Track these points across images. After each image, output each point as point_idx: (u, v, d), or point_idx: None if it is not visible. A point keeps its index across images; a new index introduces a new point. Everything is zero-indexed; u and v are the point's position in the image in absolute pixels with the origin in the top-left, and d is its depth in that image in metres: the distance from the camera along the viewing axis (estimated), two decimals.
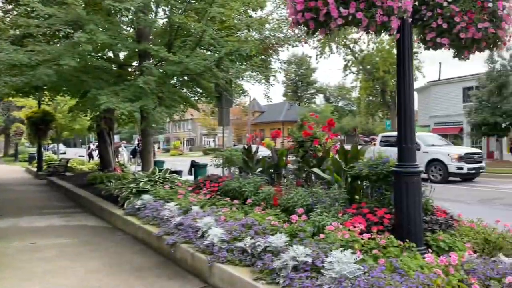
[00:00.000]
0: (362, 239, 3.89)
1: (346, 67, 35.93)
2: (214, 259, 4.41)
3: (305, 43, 11.17)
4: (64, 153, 50.77)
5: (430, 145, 16.86)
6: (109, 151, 15.25)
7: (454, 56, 4.45)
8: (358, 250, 3.71)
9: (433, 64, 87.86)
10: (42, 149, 20.61)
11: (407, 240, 3.88)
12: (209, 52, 9.58)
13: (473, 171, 15.88)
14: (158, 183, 8.34)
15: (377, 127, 42.85)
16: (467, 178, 16.04)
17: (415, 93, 40.62)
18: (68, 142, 65.32)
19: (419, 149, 17.08)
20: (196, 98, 11.92)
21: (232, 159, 7.87)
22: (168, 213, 6.30)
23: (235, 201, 6.42)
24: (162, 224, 6.22)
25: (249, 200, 6.23)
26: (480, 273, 3.27)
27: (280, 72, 10.48)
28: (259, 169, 7.43)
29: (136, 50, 9.27)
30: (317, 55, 34.40)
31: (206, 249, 4.69)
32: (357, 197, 5.24)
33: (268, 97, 10.88)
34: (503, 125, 25.47)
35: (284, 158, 6.88)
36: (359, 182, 5.19)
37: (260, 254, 4.15)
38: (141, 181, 8.35)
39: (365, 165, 4.74)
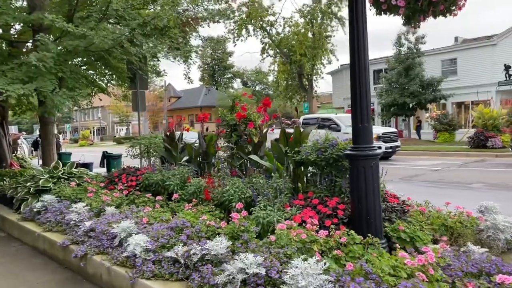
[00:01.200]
0: (319, 237, 3.28)
1: (263, 50, 35.63)
2: (137, 274, 3.52)
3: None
4: None
5: (349, 126, 17.17)
6: (3, 144, 13.08)
7: (405, 23, 3.98)
8: (317, 252, 3.09)
9: (345, 48, 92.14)
10: None
11: (368, 234, 3.35)
12: (119, 26, 8.30)
13: (390, 150, 16.49)
14: (62, 179, 7.04)
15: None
16: (385, 156, 16.62)
17: (330, 77, 42.12)
18: None
19: (339, 130, 17.35)
20: (105, 80, 10.52)
21: (152, 148, 6.86)
22: (76, 216, 5.19)
23: (159, 198, 5.50)
24: (68, 230, 5.11)
25: (175, 195, 5.34)
26: (458, 270, 2.83)
27: (201, 50, 9.55)
28: (185, 159, 6.52)
29: (29, 23, 7.70)
30: (234, 38, 33.70)
31: (126, 262, 3.77)
32: (301, 185, 4.65)
33: (189, 78, 9.89)
34: (411, 105, 27.14)
35: (213, 144, 6.06)
36: (303, 169, 4.60)
37: (196, 264, 3.35)
38: (41, 178, 6.98)
39: (312, 149, 4.14)
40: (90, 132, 60.32)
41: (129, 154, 7.46)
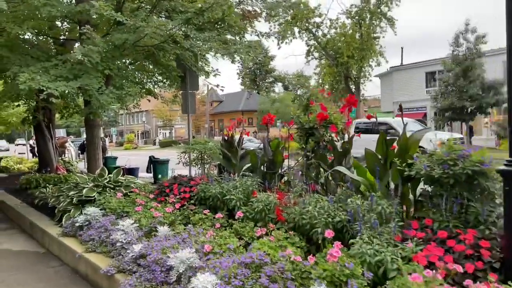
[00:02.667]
0: None
1: (308, 53, 34.49)
2: None
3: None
4: (7, 150, 46.24)
5: (411, 131, 15.73)
6: (49, 148, 12.81)
7: None
8: None
9: (394, 49, 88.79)
10: None
11: None
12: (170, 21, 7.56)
13: None
14: (108, 189, 6.31)
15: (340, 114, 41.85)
16: None
17: (378, 80, 40.27)
18: (12, 138, 59.56)
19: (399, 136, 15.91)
20: (154, 81, 9.84)
21: (207, 154, 5.99)
22: (123, 236, 4.37)
23: (219, 215, 4.59)
24: (114, 252, 4.30)
25: (239, 213, 4.41)
26: None
27: (259, 47, 8.66)
28: (245, 167, 5.60)
29: (75, 18, 7.10)
30: (278, 40, 32.79)
31: None
32: (407, 208, 3.58)
33: (222, 87, 8.68)
34: (469, 109, 25.07)
35: (281, 151, 5.10)
36: (410, 186, 3.52)
37: None
38: (85, 187, 6.29)
39: (434, 161, 3.06)
40: (135, 136, 61.38)
41: (181, 161, 6.62)
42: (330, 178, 4.36)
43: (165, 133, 68.64)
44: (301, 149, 4.72)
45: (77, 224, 5.31)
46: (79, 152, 22.25)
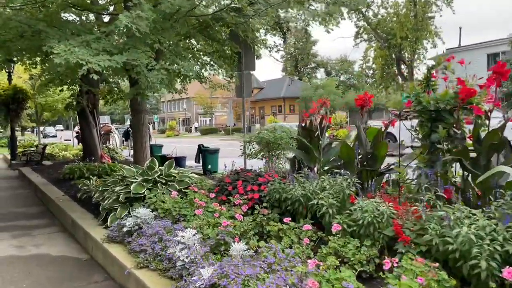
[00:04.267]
0: None
1: (357, 35, 32.58)
2: None
3: None
4: (55, 136, 47.45)
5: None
6: (94, 135, 12.18)
7: None
8: None
9: (451, 30, 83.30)
10: (28, 133, 17.45)
11: None
12: None
13: None
14: (159, 184, 5.36)
15: (390, 101, 39.69)
16: None
17: (433, 63, 37.60)
18: (60, 124, 61.24)
19: None
20: (204, 64, 8.77)
21: (279, 144, 4.88)
22: (184, 252, 3.35)
23: (306, 227, 3.47)
24: (173, 272, 3.31)
25: (335, 226, 3.27)
26: None
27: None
28: (329, 162, 4.44)
29: None
30: (326, 22, 30.95)
31: None
32: None
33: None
34: None
35: (385, 142, 3.90)
36: None
37: None
38: (133, 182, 5.37)
39: None
40: (177, 123, 61.60)
41: (247, 152, 5.52)
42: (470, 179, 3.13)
43: (205, 120, 68.51)
44: (424, 139, 3.47)
45: (124, 229, 4.37)
46: (123, 139, 21.90)
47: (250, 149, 5.37)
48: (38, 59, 8.66)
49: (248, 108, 52.07)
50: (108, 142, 21.40)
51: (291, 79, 59.91)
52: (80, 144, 23.29)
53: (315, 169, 4.55)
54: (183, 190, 5.34)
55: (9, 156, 16.54)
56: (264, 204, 4.21)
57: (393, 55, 31.21)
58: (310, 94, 46.94)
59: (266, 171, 5.04)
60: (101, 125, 14.90)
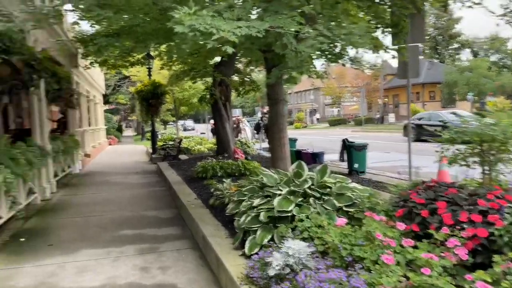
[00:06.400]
0: None
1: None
2: None
3: None
4: (193, 129, 50.62)
5: None
6: (226, 128, 11.47)
7: None
8: None
9: None
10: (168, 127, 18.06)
11: None
12: None
13: None
14: (311, 198, 3.90)
15: None
16: None
17: None
18: (197, 118, 65.12)
19: None
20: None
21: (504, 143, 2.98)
22: None
23: None
24: None
25: None
26: None
27: None
28: None
29: None
30: None
31: None
32: None
33: None
34: None
35: None
36: None
37: None
38: (275, 194, 4.01)
39: None
40: (304, 115, 60.69)
41: (446, 154, 3.64)
42: None
43: (332, 111, 66.13)
44: None
45: (270, 271, 2.98)
46: (255, 132, 21.39)
47: (452, 151, 3.52)
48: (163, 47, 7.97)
49: (380, 97, 48.31)
50: (239, 134, 21.15)
51: (431, 63, 53.73)
52: (214, 137, 23.67)
53: None
54: (344, 208, 3.79)
55: (151, 150, 17.17)
56: (493, 246, 2.40)
57: None
58: (456, 78, 41.24)
59: (483, 187, 3.18)
60: (233, 118, 14.25)
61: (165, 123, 34.93)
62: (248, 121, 26.79)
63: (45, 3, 5.38)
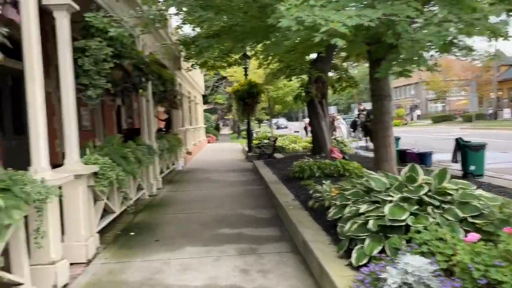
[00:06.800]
0: None
1: None
2: None
3: None
4: (286, 127, 50.82)
5: None
6: (322, 127, 11.14)
7: None
8: None
9: None
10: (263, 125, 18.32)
11: None
12: None
13: None
14: (429, 207, 3.45)
15: None
16: None
17: None
18: (290, 116, 65.27)
19: None
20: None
21: None
22: None
23: None
24: None
25: None
26: None
27: None
28: None
29: None
30: None
31: None
32: None
33: None
34: None
35: None
36: None
37: None
38: (385, 200, 3.64)
39: None
40: (405, 111, 57.32)
41: None
42: None
43: (436, 106, 61.43)
44: None
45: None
46: (351, 130, 20.63)
47: None
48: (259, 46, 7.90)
49: (494, 90, 43.48)
50: (334, 132, 20.55)
51: None
52: (308, 136, 23.37)
53: None
54: (469, 220, 3.28)
55: (246, 148, 17.50)
56: None
57: None
58: None
59: None
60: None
61: (259, 121, 35.55)
62: (344, 119, 25.97)
63: (152, 8, 5.60)
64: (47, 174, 3.64)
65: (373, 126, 6.66)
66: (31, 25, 3.62)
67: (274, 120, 33.88)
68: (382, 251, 3.32)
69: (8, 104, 6.48)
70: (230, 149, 21.99)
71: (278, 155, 14.04)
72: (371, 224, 3.46)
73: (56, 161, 6.20)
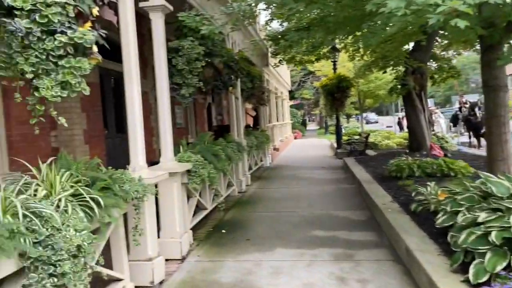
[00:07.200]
0: None
1: None
2: None
3: None
4: (376, 122, 48.64)
5: None
6: (421, 121, 10.27)
7: None
8: None
9: None
10: (353, 120, 17.71)
11: None
12: None
13: None
14: None
15: None
16: None
17: None
18: (380, 110, 62.31)
19: None
20: None
21: None
22: None
23: None
24: None
25: None
26: None
27: None
28: None
29: None
30: None
31: None
32: None
33: None
34: None
35: None
36: None
37: None
38: (511, 209, 3.09)
39: None
40: None
41: None
42: None
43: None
44: None
45: None
46: (451, 124, 18.93)
47: None
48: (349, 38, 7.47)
49: None
50: (432, 126, 19.03)
51: None
52: (403, 131, 21.96)
53: None
54: None
55: (335, 144, 16.96)
56: None
57: None
58: None
59: None
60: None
61: (348, 116, 34.46)
62: (443, 112, 24.00)
63: (241, 5, 5.52)
64: (144, 172, 3.71)
65: (485, 121, 5.88)
66: (129, 27, 3.71)
67: (364, 115, 32.55)
68: (507, 267, 2.83)
69: (111, 104, 6.92)
70: (317, 145, 21.57)
71: (370, 152, 13.35)
72: (493, 235, 2.96)
73: (153, 158, 6.48)
